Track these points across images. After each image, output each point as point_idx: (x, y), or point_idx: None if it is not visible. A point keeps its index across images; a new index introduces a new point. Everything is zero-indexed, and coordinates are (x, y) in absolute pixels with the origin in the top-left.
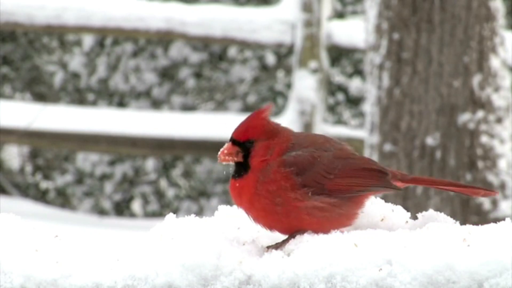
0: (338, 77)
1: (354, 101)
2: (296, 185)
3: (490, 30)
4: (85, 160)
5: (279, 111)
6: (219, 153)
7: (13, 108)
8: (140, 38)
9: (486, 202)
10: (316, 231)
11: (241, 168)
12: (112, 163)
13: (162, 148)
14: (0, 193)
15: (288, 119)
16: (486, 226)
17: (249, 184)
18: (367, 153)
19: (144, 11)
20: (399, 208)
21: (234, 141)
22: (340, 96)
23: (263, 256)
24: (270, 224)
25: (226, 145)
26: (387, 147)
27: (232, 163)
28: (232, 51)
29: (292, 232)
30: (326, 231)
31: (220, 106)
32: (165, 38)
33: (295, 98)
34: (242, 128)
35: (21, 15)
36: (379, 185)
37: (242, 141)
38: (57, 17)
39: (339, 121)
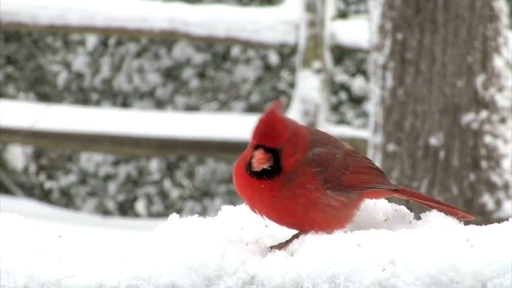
0: (341, 77)
1: (357, 101)
2: (320, 185)
3: (494, 30)
4: (89, 160)
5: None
6: (253, 162)
7: (17, 108)
8: (144, 38)
9: (489, 202)
10: (321, 229)
11: (269, 171)
12: (115, 163)
13: (165, 148)
14: (4, 193)
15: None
16: (489, 226)
17: (273, 187)
18: (370, 153)
19: (147, 11)
20: (402, 208)
21: (266, 148)
22: (343, 96)
23: (266, 256)
24: (282, 219)
25: (258, 154)
26: (391, 147)
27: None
28: (236, 51)
29: (300, 227)
30: (329, 230)
31: (224, 106)
32: (168, 38)
33: (298, 98)
34: (271, 135)
35: (24, 15)
36: (384, 183)
37: (277, 149)
38: (60, 17)
39: (342, 121)
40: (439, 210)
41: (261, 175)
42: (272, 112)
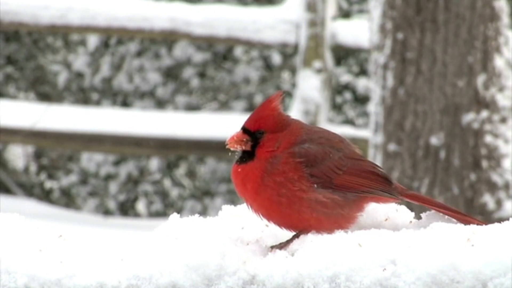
0: (344, 76)
1: (360, 100)
2: (304, 177)
3: (495, 30)
4: (90, 160)
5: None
6: (228, 138)
7: (17, 108)
8: (144, 38)
9: (490, 202)
10: (313, 228)
11: (247, 156)
12: (116, 163)
13: (166, 148)
14: (4, 193)
15: None
16: (490, 226)
17: (255, 174)
18: (371, 153)
19: (148, 11)
20: (403, 208)
21: (244, 129)
22: (346, 95)
23: (267, 256)
24: (270, 214)
25: (236, 132)
26: (391, 147)
27: (239, 151)
28: (237, 51)
29: (290, 225)
30: (323, 229)
31: (224, 106)
32: (169, 38)
33: (299, 98)
34: (253, 118)
35: (25, 15)
36: (384, 190)
37: (252, 131)
38: (61, 17)
39: (345, 121)
40: (451, 217)
41: (241, 161)
42: (269, 100)
